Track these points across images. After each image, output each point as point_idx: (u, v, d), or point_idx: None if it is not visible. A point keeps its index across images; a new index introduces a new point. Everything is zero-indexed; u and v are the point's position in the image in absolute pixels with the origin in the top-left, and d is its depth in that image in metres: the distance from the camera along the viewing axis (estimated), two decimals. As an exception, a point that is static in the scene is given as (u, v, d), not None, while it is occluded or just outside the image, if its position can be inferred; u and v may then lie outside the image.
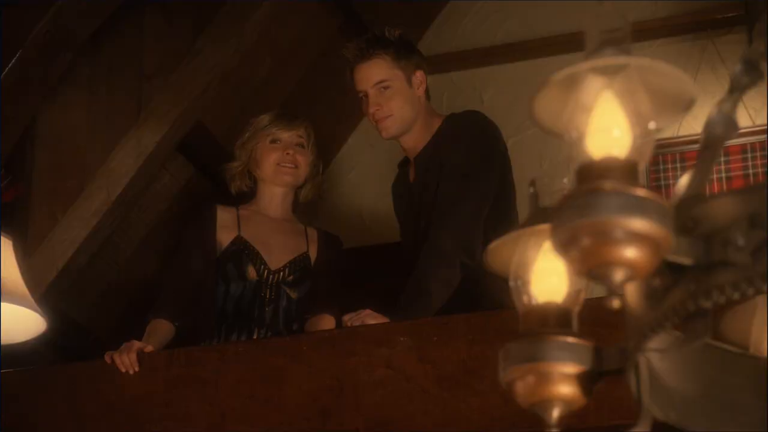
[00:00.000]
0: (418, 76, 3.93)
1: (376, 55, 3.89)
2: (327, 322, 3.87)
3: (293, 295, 3.97)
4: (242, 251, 3.98)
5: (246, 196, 4.21)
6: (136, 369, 3.53)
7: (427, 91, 3.97)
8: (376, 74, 3.88)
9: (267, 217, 4.10)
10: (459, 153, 3.79)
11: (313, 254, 4.06)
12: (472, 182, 3.74)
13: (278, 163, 4.05)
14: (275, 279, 3.97)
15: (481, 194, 3.75)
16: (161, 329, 3.81)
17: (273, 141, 4.08)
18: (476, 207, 3.72)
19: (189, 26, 4.39)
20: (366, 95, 3.90)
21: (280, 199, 4.12)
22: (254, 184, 4.15)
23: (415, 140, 3.94)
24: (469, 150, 3.80)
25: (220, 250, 4.00)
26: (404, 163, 4.12)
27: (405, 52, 3.94)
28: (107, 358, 3.56)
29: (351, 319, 3.59)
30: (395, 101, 3.87)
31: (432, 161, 3.86)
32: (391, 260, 4.10)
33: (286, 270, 3.99)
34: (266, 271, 3.97)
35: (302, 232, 4.11)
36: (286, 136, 4.08)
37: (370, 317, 3.56)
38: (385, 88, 3.87)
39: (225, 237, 4.02)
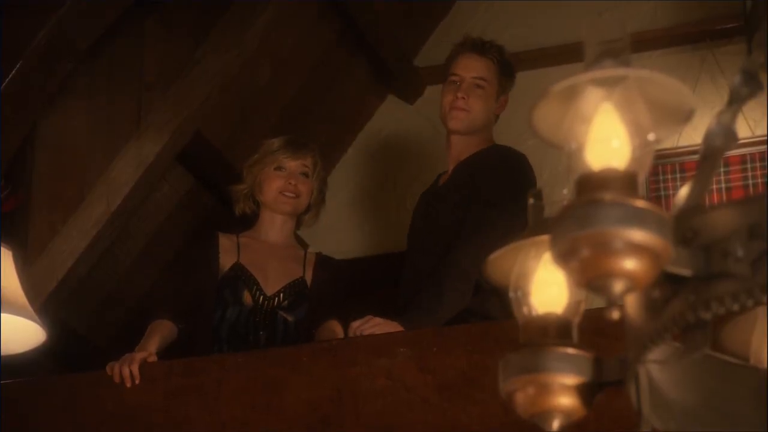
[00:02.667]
0: (503, 99, 4.08)
1: (491, 57, 4.03)
2: (332, 326, 3.87)
3: (290, 318, 3.97)
4: (239, 277, 3.98)
5: (249, 221, 4.20)
6: (137, 382, 3.52)
7: (497, 116, 4.09)
8: (481, 69, 4.00)
9: (266, 243, 4.10)
10: (495, 182, 3.85)
11: (309, 278, 4.06)
12: (502, 212, 3.76)
13: (281, 191, 4.05)
14: (270, 304, 3.97)
15: (508, 226, 3.75)
16: (163, 328, 3.80)
17: (278, 168, 4.08)
18: (501, 236, 3.71)
19: (189, 35, 4.39)
20: (460, 81, 3.99)
21: (280, 224, 4.12)
22: (257, 207, 4.15)
23: (463, 148, 4.00)
24: (506, 182, 3.86)
25: (221, 274, 4.01)
26: (439, 176, 4.16)
27: (508, 73, 4.10)
28: (108, 369, 3.56)
29: (360, 326, 3.58)
30: (480, 102, 3.99)
31: (465, 178, 3.91)
32: (396, 270, 4.10)
33: (281, 295, 3.99)
34: (261, 297, 3.97)
35: (300, 257, 4.12)
36: (291, 165, 4.08)
37: (379, 325, 3.56)
38: (479, 86, 3.99)
39: (225, 263, 4.03)
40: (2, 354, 3.40)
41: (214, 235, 4.08)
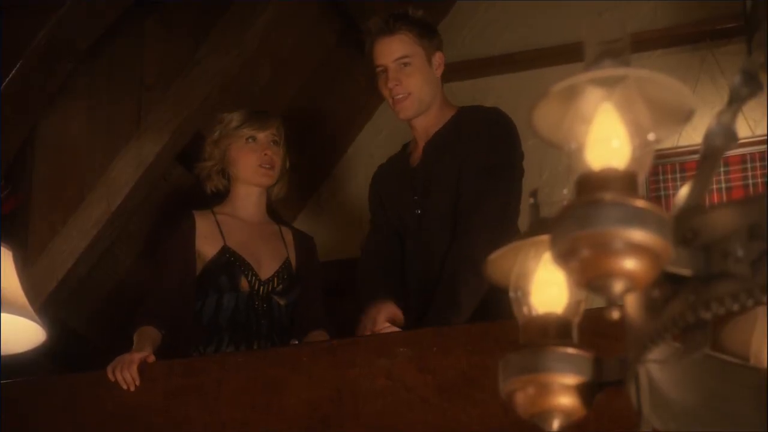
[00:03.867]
0: (438, 57, 3.93)
1: (400, 31, 3.88)
2: (318, 336, 3.90)
3: (282, 302, 3.99)
4: (233, 263, 3.98)
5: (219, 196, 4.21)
6: (138, 383, 3.52)
7: (442, 76, 3.96)
8: (398, 49, 3.87)
9: (245, 222, 4.11)
10: (488, 149, 3.77)
11: (293, 258, 4.08)
12: (499, 176, 3.71)
13: (259, 164, 4.07)
14: (265, 290, 3.98)
15: (508, 190, 3.72)
16: (149, 335, 3.79)
17: (250, 139, 4.10)
18: (504, 204, 3.69)
19: (189, 35, 4.39)
20: (385, 70, 3.88)
21: (256, 198, 4.14)
22: (229, 182, 4.17)
23: (428, 123, 3.92)
24: (498, 146, 3.78)
25: (205, 260, 4.00)
26: (406, 146, 4.10)
27: (428, 32, 3.94)
28: (109, 374, 3.55)
29: (369, 327, 3.58)
30: (415, 78, 3.86)
31: (448, 150, 3.83)
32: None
33: (275, 279, 4.01)
34: (257, 282, 3.98)
35: (278, 234, 4.14)
36: (261, 135, 4.11)
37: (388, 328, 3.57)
38: (406, 64, 3.86)
39: (208, 246, 4.02)
40: (2, 354, 3.40)
41: (189, 216, 4.07)
